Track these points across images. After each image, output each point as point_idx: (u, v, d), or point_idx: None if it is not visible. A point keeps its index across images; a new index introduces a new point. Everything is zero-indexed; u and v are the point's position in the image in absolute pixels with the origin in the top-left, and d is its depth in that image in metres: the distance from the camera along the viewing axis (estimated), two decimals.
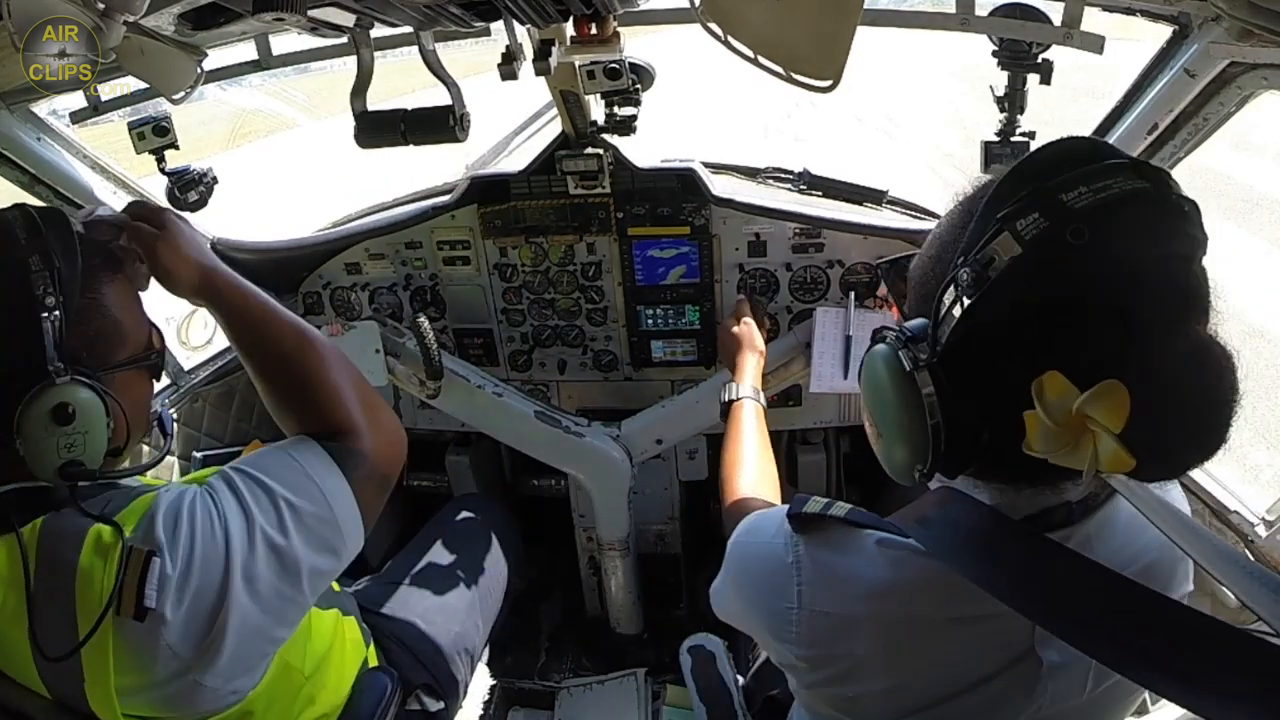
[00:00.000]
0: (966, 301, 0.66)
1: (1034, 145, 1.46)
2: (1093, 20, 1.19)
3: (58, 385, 0.92)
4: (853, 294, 1.92)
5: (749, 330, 1.71)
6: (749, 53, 0.90)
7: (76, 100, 1.54)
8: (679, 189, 1.93)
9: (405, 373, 1.98)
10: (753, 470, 1.32)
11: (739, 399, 1.51)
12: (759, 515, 0.99)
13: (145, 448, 1.88)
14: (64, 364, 0.93)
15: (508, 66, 1.34)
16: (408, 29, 1.25)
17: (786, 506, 0.89)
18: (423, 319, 1.85)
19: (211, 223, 2.03)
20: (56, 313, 0.93)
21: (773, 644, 0.89)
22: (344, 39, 1.23)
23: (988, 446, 0.70)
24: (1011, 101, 1.42)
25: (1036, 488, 0.75)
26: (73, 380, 0.94)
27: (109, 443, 0.98)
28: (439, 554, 1.79)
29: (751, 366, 1.61)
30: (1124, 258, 0.62)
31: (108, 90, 1.50)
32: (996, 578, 0.72)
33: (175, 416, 2.04)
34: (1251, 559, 0.69)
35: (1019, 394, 0.63)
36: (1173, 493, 0.88)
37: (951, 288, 0.68)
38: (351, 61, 1.33)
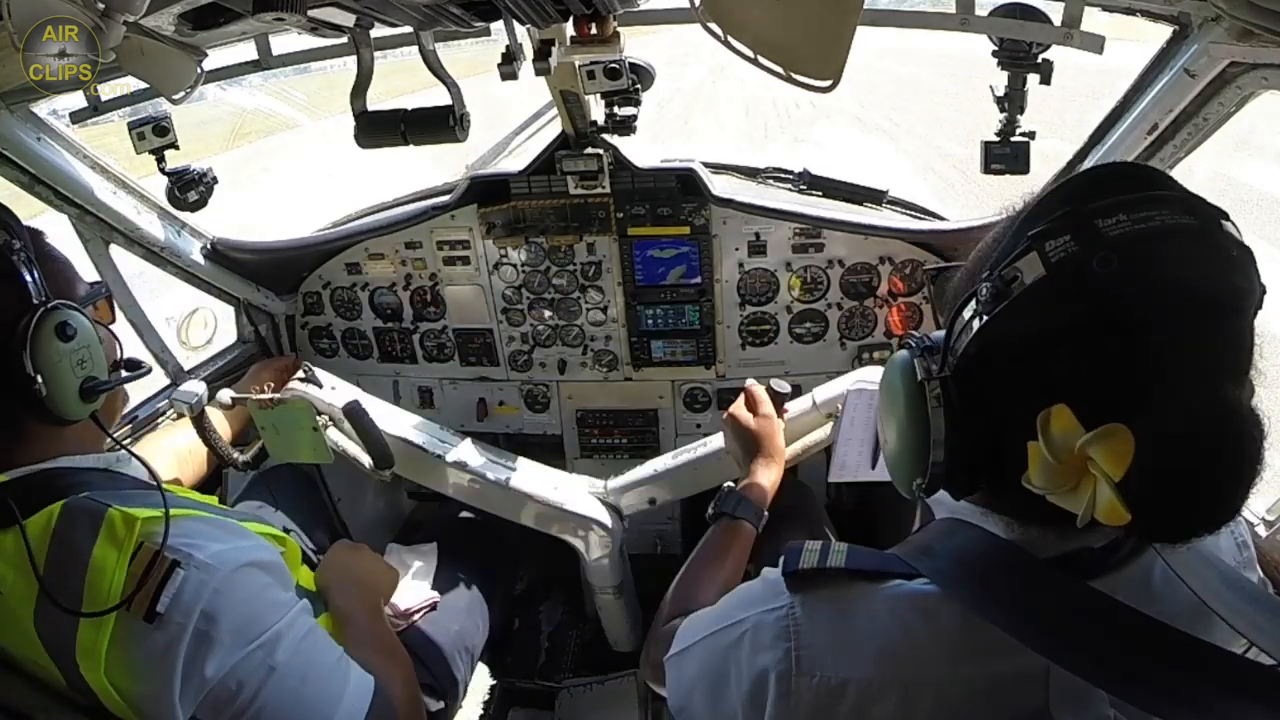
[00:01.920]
0: (984, 318, 0.64)
1: (1033, 145, 1.47)
2: (1093, 20, 1.19)
3: (51, 309, 0.98)
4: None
5: (770, 429, 1.44)
6: (749, 53, 0.90)
7: (76, 100, 1.54)
8: (679, 189, 1.93)
9: (354, 449, 1.69)
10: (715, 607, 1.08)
11: (738, 520, 1.31)
12: (725, 603, 0.90)
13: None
14: (48, 297, 0.99)
15: (508, 66, 1.34)
16: (408, 29, 1.25)
17: (768, 576, 0.84)
18: (357, 404, 1.59)
19: (212, 223, 2.03)
20: (27, 259, 1.00)
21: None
22: (344, 39, 1.23)
23: (992, 472, 0.67)
24: (1011, 101, 1.42)
25: (1046, 527, 0.70)
26: (57, 305, 0.99)
27: (106, 359, 1.06)
28: (439, 553, 1.79)
29: (766, 482, 1.37)
30: (1152, 295, 0.58)
31: (108, 90, 1.50)
32: (1020, 618, 0.67)
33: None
34: None
35: (1027, 423, 0.60)
36: (1221, 542, 0.81)
37: (972, 302, 0.66)
38: (351, 61, 1.33)
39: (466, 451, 1.75)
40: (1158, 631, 0.63)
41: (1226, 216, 0.62)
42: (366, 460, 1.67)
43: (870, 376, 1.54)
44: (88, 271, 1.27)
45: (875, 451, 1.53)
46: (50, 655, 0.94)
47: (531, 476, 1.76)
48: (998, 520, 0.74)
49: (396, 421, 1.75)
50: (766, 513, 1.35)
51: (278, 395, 1.63)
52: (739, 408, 1.49)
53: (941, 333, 0.71)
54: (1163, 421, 0.56)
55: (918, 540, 0.79)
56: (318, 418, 1.63)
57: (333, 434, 1.69)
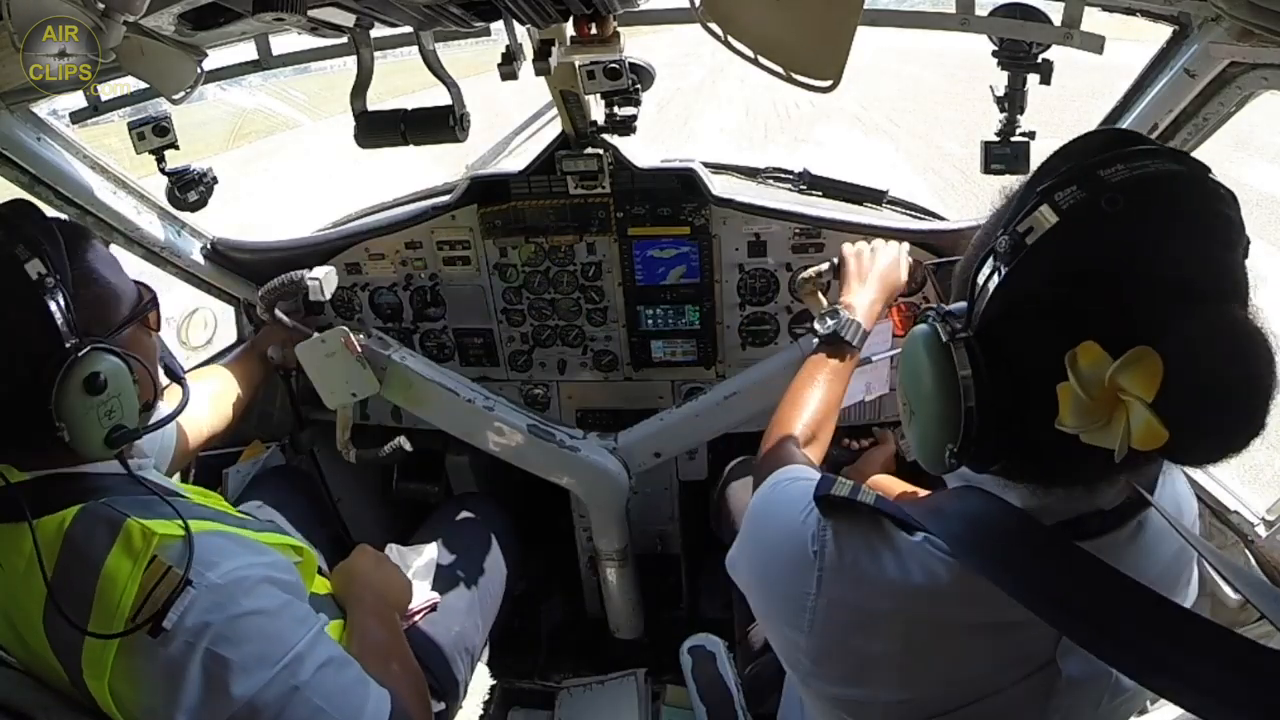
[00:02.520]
0: (1004, 271, 0.66)
1: (1034, 145, 1.47)
2: (1093, 20, 1.19)
3: (81, 358, 0.95)
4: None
5: (896, 263, 1.52)
6: (749, 53, 0.90)
7: (76, 100, 1.54)
8: (679, 189, 1.93)
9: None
10: (813, 420, 1.24)
11: (853, 347, 1.35)
12: (789, 481, 0.96)
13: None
14: (78, 337, 0.96)
15: (508, 66, 1.34)
16: (407, 29, 1.25)
17: (814, 482, 0.86)
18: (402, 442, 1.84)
19: (212, 223, 2.03)
20: (57, 292, 0.95)
21: (782, 629, 0.86)
22: (344, 39, 1.23)
23: (1021, 432, 0.68)
24: (1011, 101, 1.41)
25: (1070, 489, 0.73)
26: (92, 350, 0.96)
27: (139, 400, 1.02)
28: (438, 553, 1.79)
29: (876, 306, 1.44)
30: (1161, 228, 0.63)
31: (108, 90, 1.50)
32: (1024, 584, 0.70)
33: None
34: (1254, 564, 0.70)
35: (1054, 368, 0.63)
36: (1179, 485, 0.88)
37: (990, 260, 0.69)
38: (351, 61, 1.33)
39: (487, 399, 1.92)
40: (1136, 592, 0.66)
41: (1210, 170, 0.67)
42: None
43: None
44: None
45: (868, 387, 1.79)
46: (57, 657, 0.94)
47: (548, 425, 1.93)
48: (1019, 490, 0.76)
49: (424, 365, 1.92)
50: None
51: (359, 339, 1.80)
52: (863, 247, 1.56)
53: (957, 305, 0.73)
54: (1184, 341, 0.59)
55: (928, 502, 0.81)
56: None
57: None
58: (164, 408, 1.17)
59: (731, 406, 1.89)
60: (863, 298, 1.44)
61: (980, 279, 0.70)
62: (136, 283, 1.13)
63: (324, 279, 1.75)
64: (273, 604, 0.99)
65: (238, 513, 1.27)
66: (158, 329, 1.17)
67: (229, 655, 0.92)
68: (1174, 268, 0.63)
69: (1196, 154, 1.35)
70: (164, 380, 1.19)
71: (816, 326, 1.41)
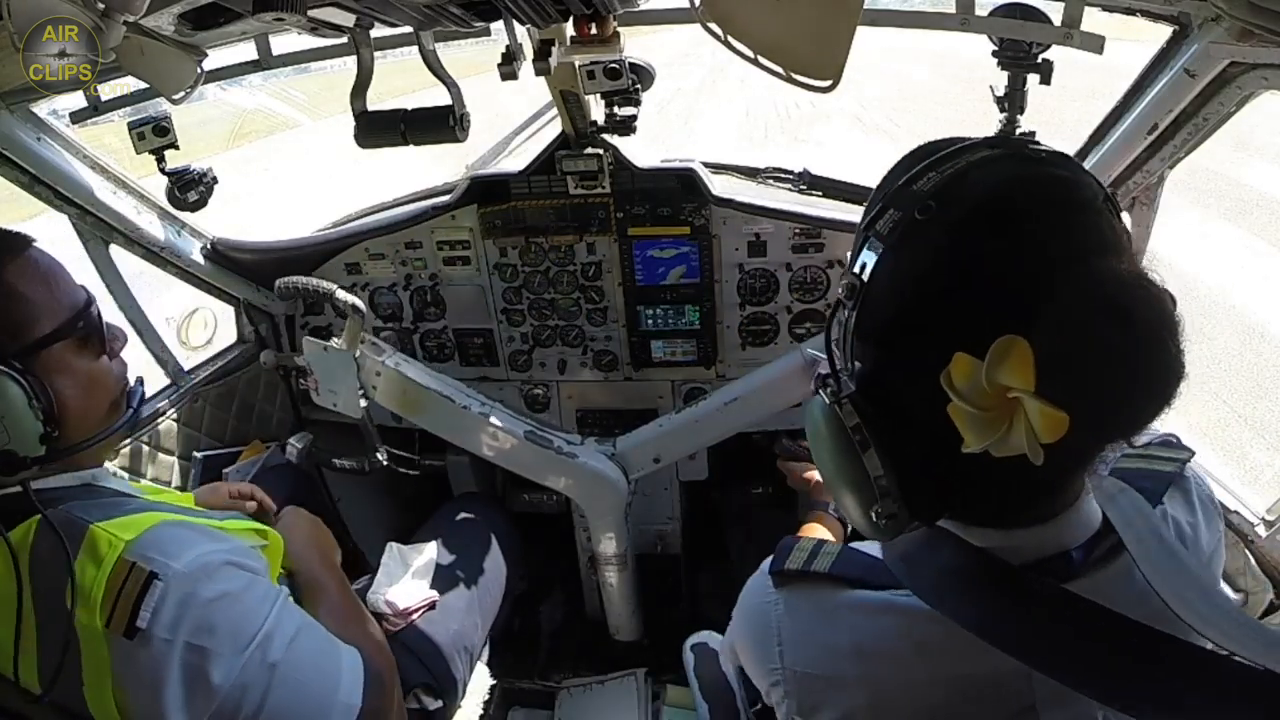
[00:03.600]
0: (852, 316, 0.65)
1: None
2: (1093, 20, 1.18)
3: None
4: None
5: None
6: (749, 53, 0.90)
7: (76, 100, 1.54)
8: (679, 189, 1.93)
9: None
10: None
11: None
12: (761, 568, 0.94)
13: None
14: None
15: (508, 66, 1.34)
16: (407, 29, 1.25)
17: (761, 569, 0.86)
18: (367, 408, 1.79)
19: (212, 223, 2.03)
20: None
21: (772, 697, 0.85)
22: (344, 39, 1.23)
23: (940, 473, 0.65)
24: (1011, 101, 1.41)
25: (1027, 528, 0.70)
26: None
27: (42, 425, 0.95)
28: (438, 553, 1.79)
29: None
30: (985, 215, 0.60)
31: (108, 90, 1.50)
32: (997, 627, 0.67)
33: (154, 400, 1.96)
34: (1240, 615, 0.66)
35: (937, 394, 0.59)
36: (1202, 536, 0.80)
37: (837, 315, 0.68)
38: (351, 61, 1.33)
39: (484, 404, 1.91)
40: (1134, 632, 0.62)
41: (1034, 140, 0.65)
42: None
43: None
44: (83, 273, 1.17)
45: None
46: (43, 676, 0.93)
47: (545, 430, 1.92)
48: (977, 532, 0.73)
49: (427, 375, 1.89)
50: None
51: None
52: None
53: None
54: (1046, 315, 0.55)
55: (899, 546, 0.78)
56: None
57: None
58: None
59: (731, 412, 1.90)
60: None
61: (835, 332, 0.69)
62: (78, 307, 1.04)
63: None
64: (236, 585, 0.98)
65: (196, 505, 1.26)
66: (103, 354, 1.08)
67: (206, 645, 0.92)
68: (1015, 248, 0.59)
69: (1196, 154, 1.36)
70: (126, 412, 1.12)
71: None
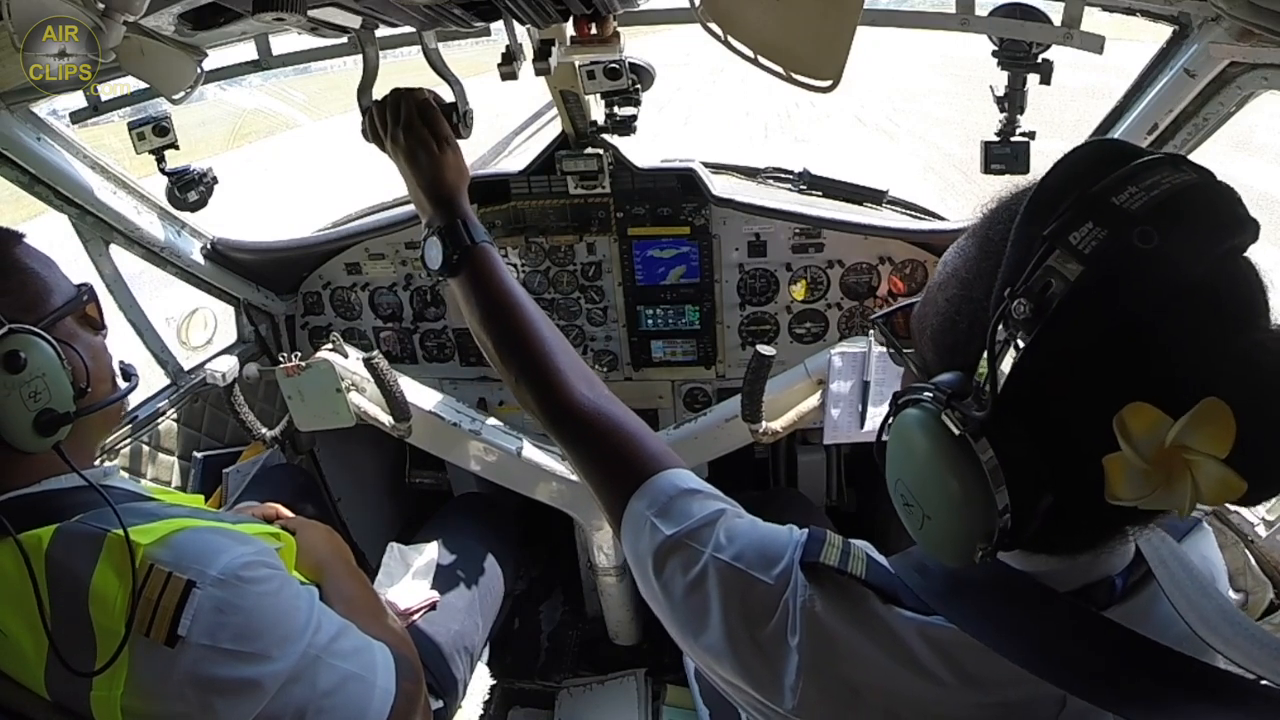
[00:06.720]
0: (1025, 341, 0.55)
1: (1033, 145, 1.47)
2: (1093, 20, 1.19)
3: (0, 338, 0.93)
4: (871, 334, 1.74)
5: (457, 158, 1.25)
6: (749, 53, 0.90)
7: (76, 100, 1.54)
8: (679, 189, 1.93)
9: (375, 410, 1.81)
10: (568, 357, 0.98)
11: (478, 243, 1.12)
12: (752, 534, 0.81)
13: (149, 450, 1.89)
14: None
15: (508, 67, 1.34)
16: (409, 29, 1.25)
17: (792, 538, 0.78)
18: (377, 357, 1.68)
19: (211, 223, 2.03)
20: None
21: (751, 694, 0.78)
22: (344, 39, 1.23)
23: (1051, 511, 0.60)
24: (1011, 101, 1.41)
25: (1091, 554, 0.66)
26: (10, 332, 0.94)
27: (73, 386, 0.99)
28: (438, 553, 1.79)
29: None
30: (1199, 257, 0.54)
31: (108, 90, 1.50)
32: (1046, 657, 0.63)
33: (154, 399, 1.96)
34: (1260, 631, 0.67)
35: (1096, 439, 0.54)
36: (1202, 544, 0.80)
37: (1001, 326, 0.57)
38: (352, 62, 1.33)
39: (481, 424, 1.85)
40: (1168, 658, 0.61)
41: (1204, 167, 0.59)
42: (386, 419, 1.78)
43: (852, 346, 1.73)
44: (83, 273, 1.21)
45: (863, 413, 1.73)
46: (52, 697, 0.93)
47: (541, 451, 1.85)
48: (1023, 556, 0.69)
49: (416, 391, 1.85)
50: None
51: (304, 362, 1.76)
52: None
53: (948, 378, 0.62)
54: (1245, 378, 0.52)
55: (914, 556, 0.74)
56: (341, 381, 1.77)
57: (354, 397, 1.81)
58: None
59: (731, 430, 1.83)
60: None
61: (996, 344, 0.58)
62: (78, 285, 1.11)
63: (226, 371, 1.87)
64: (272, 586, 0.99)
65: (210, 508, 1.26)
66: (101, 329, 1.14)
67: (249, 649, 0.92)
68: (1221, 297, 0.54)
69: (1196, 154, 1.36)
70: (122, 383, 1.15)
71: None
